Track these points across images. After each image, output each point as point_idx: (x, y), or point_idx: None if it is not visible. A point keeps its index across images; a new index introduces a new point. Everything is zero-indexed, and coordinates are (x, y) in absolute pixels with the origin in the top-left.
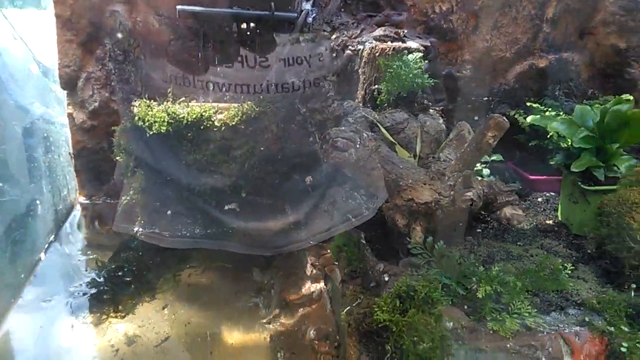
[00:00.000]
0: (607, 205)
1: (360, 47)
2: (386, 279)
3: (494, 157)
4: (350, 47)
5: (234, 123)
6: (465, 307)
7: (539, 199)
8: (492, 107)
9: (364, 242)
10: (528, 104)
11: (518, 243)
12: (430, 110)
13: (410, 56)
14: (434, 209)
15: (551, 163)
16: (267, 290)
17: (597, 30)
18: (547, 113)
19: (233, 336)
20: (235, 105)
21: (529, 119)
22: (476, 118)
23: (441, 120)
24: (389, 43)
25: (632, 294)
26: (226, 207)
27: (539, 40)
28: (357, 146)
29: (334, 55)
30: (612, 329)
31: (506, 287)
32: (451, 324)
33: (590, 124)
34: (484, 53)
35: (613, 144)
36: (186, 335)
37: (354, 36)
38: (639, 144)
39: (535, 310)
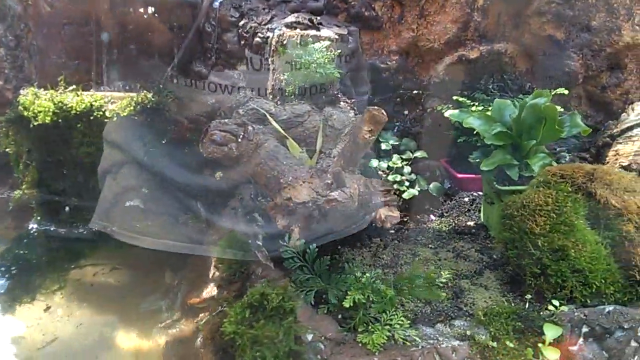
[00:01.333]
0: (510, 208)
1: (270, 34)
2: (263, 283)
3: (417, 154)
4: (259, 34)
5: (125, 114)
6: (340, 316)
7: (466, 199)
8: (423, 100)
9: (259, 243)
10: (454, 97)
11: (430, 246)
12: (341, 103)
13: (316, 45)
14: (311, 209)
15: (470, 161)
16: (174, 293)
17: (533, 20)
18: (474, 108)
19: (126, 340)
20: (132, 94)
21: (447, 114)
22: (406, 112)
23: (352, 114)
24: (298, 31)
25: (527, 305)
26: (127, 204)
27: (470, 30)
28: (239, 140)
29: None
30: (495, 344)
31: (378, 296)
32: (311, 336)
33: (507, 120)
34: (410, 43)
35: (530, 140)
36: (76, 338)
37: (263, 23)
38: (559, 141)
39: (409, 322)
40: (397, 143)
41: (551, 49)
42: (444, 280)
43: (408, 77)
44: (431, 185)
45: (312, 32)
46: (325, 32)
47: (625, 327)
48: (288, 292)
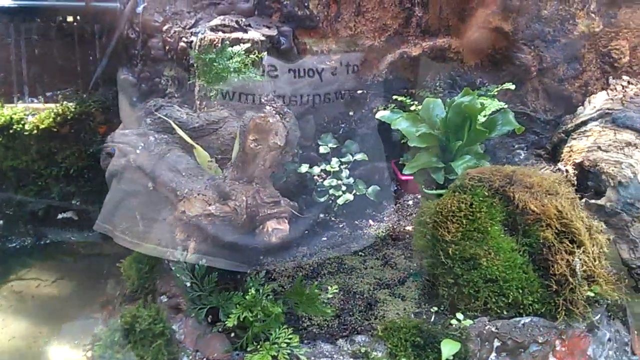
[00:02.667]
0: (424, 214)
1: (194, 38)
2: (164, 300)
3: (358, 157)
4: (184, 38)
5: (44, 126)
6: (233, 335)
7: (410, 202)
8: (368, 100)
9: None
10: (395, 97)
11: (360, 253)
12: (267, 108)
13: (235, 48)
14: (203, 223)
15: (400, 163)
16: (113, 305)
17: (478, 13)
18: (413, 107)
19: (57, 354)
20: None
21: (378, 115)
22: (351, 113)
23: (278, 118)
24: (220, 34)
25: (433, 318)
26: (60, 216)
27: (412, 26)
28: (138, 151)
29: None
30: None
31: (265, 314)
32: (187, 358)
33: (435, 120)
34: (349, 42)
35: (457, 141)
36: (7, 351)
37: (187, 27)
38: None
39: (309, 339)
40: (336, 146)
41: (500, 41)
42: (330, 296)
43: (350, 77)
44: (369, 189)
45: (237, 34)
46: (251, 34)
47: (540, 340)
48: (160, 314)
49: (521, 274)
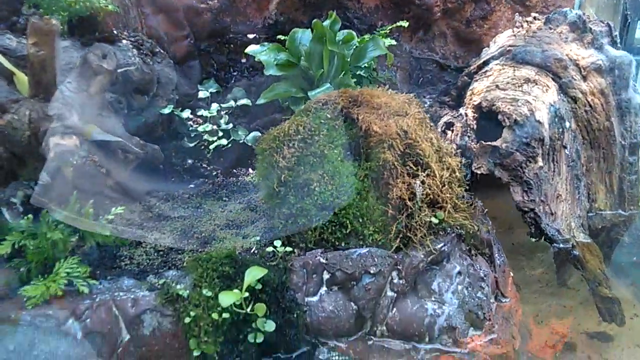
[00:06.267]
0: (263, 142)
1: None
2: None
3: (242, 102)
4: None
5: None
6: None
7: None
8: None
9: None
10: (278, 37)
11: (224, 199)
12: (123, 42)
13: None
14: None
15: None
16: None
17: None
18: None
19: None
20: None
21: (248, 50)
22: (243, 61)
23: (134, 53)
24: None
25: (254, 248)
26: None
27: None
28: None
29: None
30: (186, 292)
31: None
32: None
33: (299, 50)
34: None
35: (318, 70)
36: None
37: None
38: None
39: (88, 271)
40: (216, 91)
41: None
42: (110, 217)
43: (240, 20)
44: (249, 136)
45: None
46: None
47: (372, 271)
48: None
49: (359, 201)
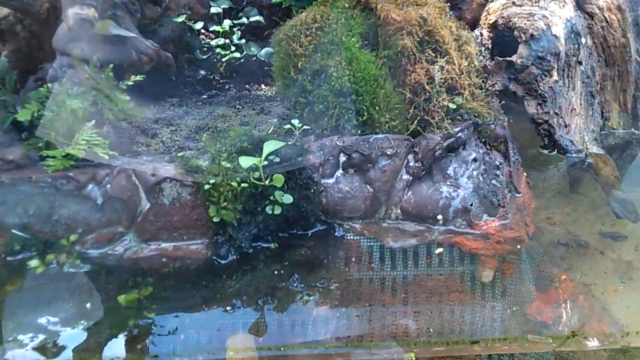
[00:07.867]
0: (280, 33)
1: None
2: None
3: (254, 19)
4: None
5: None
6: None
7: None
8: None
9: None
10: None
11: (237, 106)
12: None
13: None
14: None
15: None
16: None
17: None
18: None
19: None
20: None
21: None
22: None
23: None
24: None
25: (271, 129)
26: None
27: None
28: None
29: None
30: (205, 164)
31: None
32: None
33: None
34: None
35: None
36: None
37: None
38: None
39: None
40: (228, 7)
41: None
42: (130, 83)
43: None
44: (262, 52)
45: None
46: None
47: (389, 153)
48: None
49: (376, 87)
